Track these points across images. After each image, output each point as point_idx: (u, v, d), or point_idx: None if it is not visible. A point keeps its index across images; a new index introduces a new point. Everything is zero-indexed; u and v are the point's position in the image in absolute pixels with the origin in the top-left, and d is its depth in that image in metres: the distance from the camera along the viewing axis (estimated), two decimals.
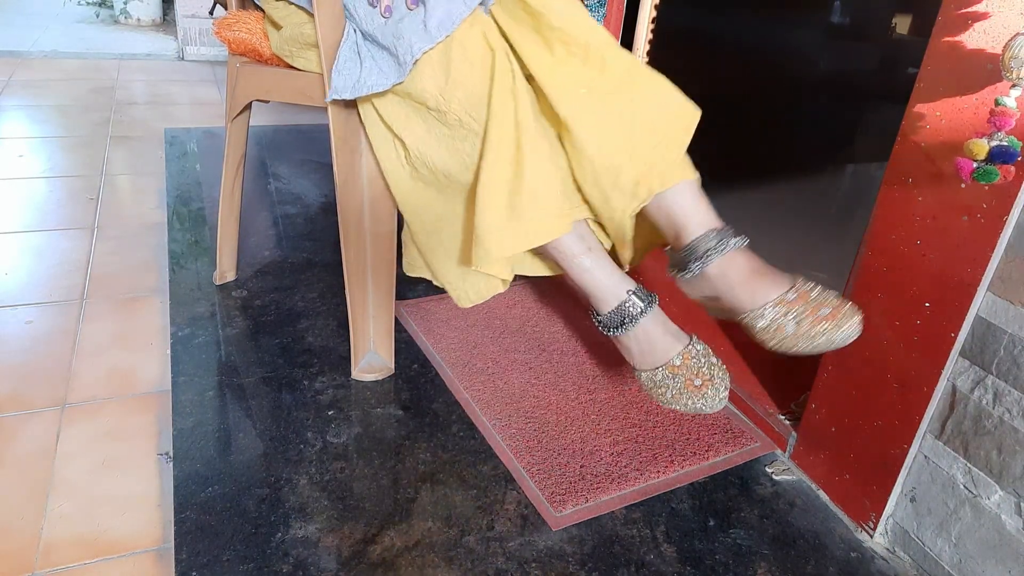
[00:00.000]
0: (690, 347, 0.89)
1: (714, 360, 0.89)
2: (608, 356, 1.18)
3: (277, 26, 0.99)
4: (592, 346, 1.21)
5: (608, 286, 0.91)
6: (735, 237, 0.87)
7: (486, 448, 0.98)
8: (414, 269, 1.07)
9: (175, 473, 0.89)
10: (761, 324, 0.84)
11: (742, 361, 1.16)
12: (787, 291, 0.84)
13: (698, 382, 0.87)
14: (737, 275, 0.86)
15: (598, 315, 0.93)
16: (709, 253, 0.86)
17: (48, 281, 1.35)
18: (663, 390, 0.89)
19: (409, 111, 0.91)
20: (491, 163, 0.86)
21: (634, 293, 0.90)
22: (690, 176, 0.90)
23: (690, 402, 0.87)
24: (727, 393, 0.87)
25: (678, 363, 0.88)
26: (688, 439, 1.03)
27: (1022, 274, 0.70)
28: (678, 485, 0.94)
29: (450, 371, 1.12)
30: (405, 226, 1.04)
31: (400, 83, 0.87)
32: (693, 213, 0.89)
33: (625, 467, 0.96)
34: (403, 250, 1.06)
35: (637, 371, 0.92)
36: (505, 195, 0.86)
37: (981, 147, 0.66)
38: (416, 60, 0.85)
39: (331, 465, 0.93)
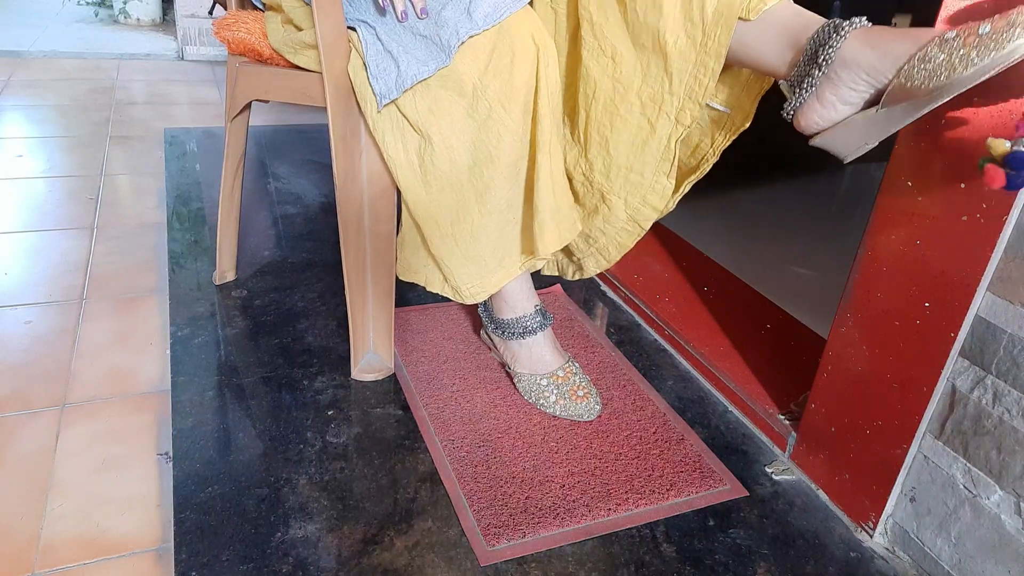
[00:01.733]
0: (570, 364, 1.07)
1: (587, 377, 1.07)
2: None
3: (299, 28, 0.99)
4: None
5: (522, 298, 1.06)
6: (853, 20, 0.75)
7: (431, 470, 0.93)
8: (408, 273, 1.08)
9: (175, 473, 0.89)
10: (942, 51, 0.67)
11: (742, 361, 1.16)
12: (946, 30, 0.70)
13: (580, 393, 1.04)
14: (879, 34, 0.72)
15: (497, 316, 1.08)
16: (837, 31, 0.74)
17: (47, 281, 1.35)
18: (547, 394, 1.05)
19: (434, 104, 0.91)
20: (544, 159, 0.94)
21: (538, 308, 1.07)
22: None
23: (573, 408, 1.03)
24: (600, 407, 1.04)
25: (561, 375, 1.05)
26: (650, 475, 0.95)
27: (1022, 274, 0.70)
28: (629, 526, 0.87)
29: (414, 386, 1.08)
30: (402, 232, 1.04)
31: (444, 67, 0.88)
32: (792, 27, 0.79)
33: (574, 502, 0.89)
34: (397, 254, 1.06)
35: (517, 373, 1.08)
36: (552, 191, 0.96)
37: (1000, 145, 0.63)
38: (461, 43, 0.87)
39: (331, 465, 0.93)
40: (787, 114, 0.80)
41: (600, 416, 1.05)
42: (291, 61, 1.01)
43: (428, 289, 1.06)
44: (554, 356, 1.07)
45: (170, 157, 1.91)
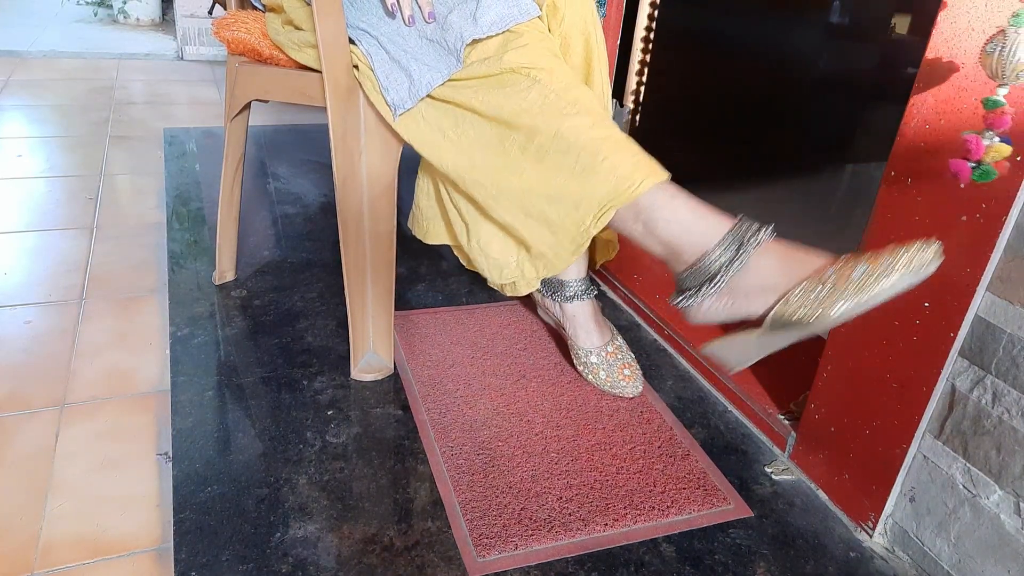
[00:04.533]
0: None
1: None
2: (591, 390, 1.12)
3: (299, 29, 0.99)
4: (575, 379, 1.13)
5: (706, 221, 0.82)
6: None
7: (428, 476, 0.92)
8: (429, 236, 1.11)
9: (174, 473, 0.89)
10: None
11: None
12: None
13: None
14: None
15: (691, 267, 0.82)
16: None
17: (47, 281, 1.34)
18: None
19: (454, 91, 0.91)
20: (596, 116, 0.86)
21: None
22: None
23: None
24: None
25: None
26: (651, 491, 0.93)
27: (1021, 274, 0.70)
28: (625, 542, 0.85)
29: (418, 389, 1.07)
30: (427, 196, 1.07)
31: (456, 71, 0.88)
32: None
33: (570, 515, 0.88)
34: (416, 213, 1.09)
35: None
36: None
37: (1005, 149, 0.65)
38: (467, 45, 0.87)
39: (330, 465, 0.93)
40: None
41: (604, 427, 1.03)
42: (292, 57, 1.01)
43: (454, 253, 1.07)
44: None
45: (170, 157, 1.91)
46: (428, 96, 0.92)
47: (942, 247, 0.69)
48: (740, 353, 0.83)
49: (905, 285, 0.69)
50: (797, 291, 0.73)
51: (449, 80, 0.89)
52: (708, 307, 0.81)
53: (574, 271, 1.12)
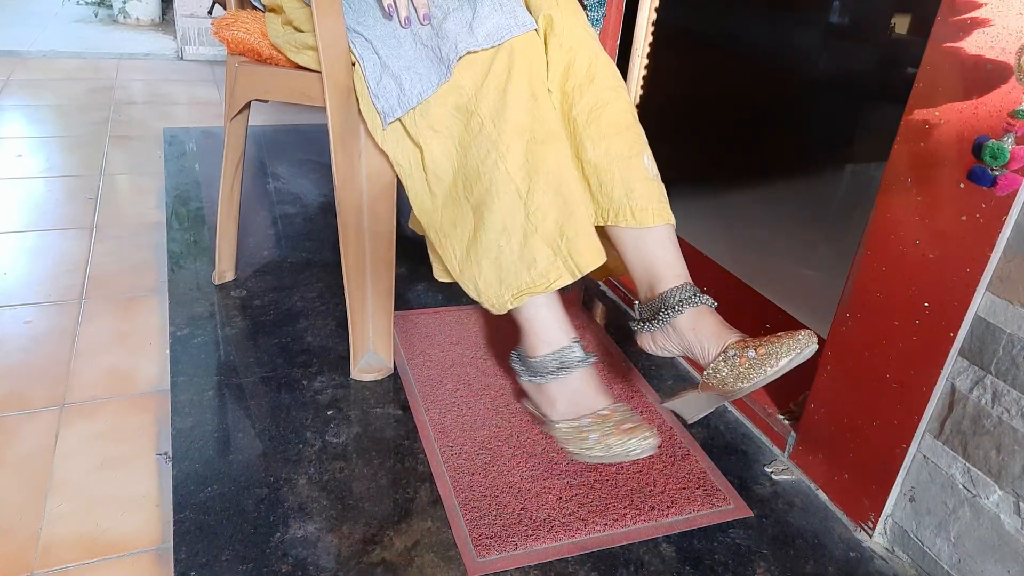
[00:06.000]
0: (618, 403, 0.91)
1: (635, 413, 0.89)
2: None
3: (299, 30, 0.99)
4: None
5: (556, 329, 0.91)
6: (705, 295, 0.88)
7: (427, 476, 0.92)
8: (444, 275, 0.99)
9: (174, 473, 0.89)
10: (725, 365, 0.82)
11: None
12: (746, 337, 0.85)
13: (627, 426, 0.86)
14: (707, 327, 0.85)
15: (531, 357, 0.92)
16: (682, 304, 0.86)
17: (47, 281, 1.35)
18: (585, 435, 0.87)
19: (434, 120, 0.90)
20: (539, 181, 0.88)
21: (576, 342, 0.92)
22: (671, 220, 0.91)
23: (619, 446, 0.84)
24: (657, 440, 0.85)
25: (607, 412, 0.88)
26: (651, 491, 0.92)
27: (1021, 274, 0.70)
28: (625, 542, 0.85)
29: (418, 389, 1.08)
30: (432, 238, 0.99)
31: (446, 81, 0.88)
32: (671, 264, 0.90)
33: (570, 515, 0.88)
34: (431, 257, 1.00)
35: (555, 423, 0.90)
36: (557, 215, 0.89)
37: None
38: (460, 57, 0.87)
39: (330, 465, 0.93)
40: (633, 327, 0.93)
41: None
42: (291, 59, 1.01)
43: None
44: (598, 393, 0.91)
45: (169, 157, 1.91)
46: (406, 132, 0.92)
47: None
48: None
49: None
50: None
51: (433, 106, 0.89)
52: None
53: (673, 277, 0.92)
